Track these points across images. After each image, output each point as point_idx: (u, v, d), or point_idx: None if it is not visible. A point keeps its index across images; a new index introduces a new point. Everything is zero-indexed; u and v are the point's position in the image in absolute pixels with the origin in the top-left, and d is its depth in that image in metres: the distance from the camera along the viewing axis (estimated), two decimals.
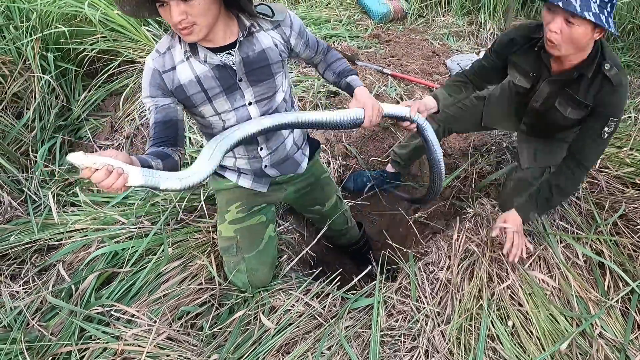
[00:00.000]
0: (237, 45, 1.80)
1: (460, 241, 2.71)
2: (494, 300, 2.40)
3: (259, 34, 1.86)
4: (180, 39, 1.78)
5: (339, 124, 1.96)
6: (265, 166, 2.20)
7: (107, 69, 3.90)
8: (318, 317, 2.36)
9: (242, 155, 2.14)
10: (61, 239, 2.73)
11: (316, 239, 2.60)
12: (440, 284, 2.54)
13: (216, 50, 1.79)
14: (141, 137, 3.56)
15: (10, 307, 2.37)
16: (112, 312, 2.28)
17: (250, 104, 1.93)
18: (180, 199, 2.82)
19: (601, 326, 2.31)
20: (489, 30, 5.23)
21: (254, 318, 2.35)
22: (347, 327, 2.35)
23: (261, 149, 2.11)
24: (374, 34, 5.08)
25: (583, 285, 2.48)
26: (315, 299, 2.43)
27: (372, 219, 3.51)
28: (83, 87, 3.96)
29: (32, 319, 2.29)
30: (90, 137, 3.63)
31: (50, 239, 2.75)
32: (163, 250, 2.51)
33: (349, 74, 2.17)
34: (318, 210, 2.64)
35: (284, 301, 2.39)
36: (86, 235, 2.67)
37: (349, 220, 2.87)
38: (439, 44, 5.01)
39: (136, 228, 2.65)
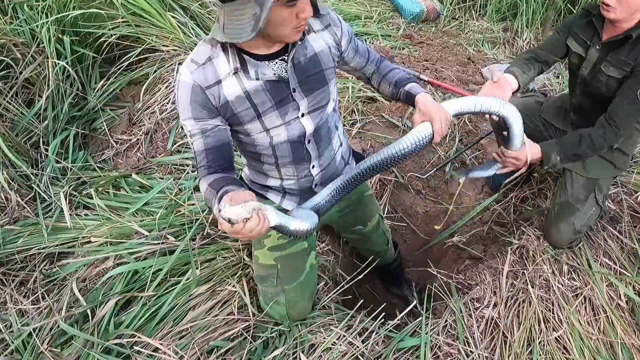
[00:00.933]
0: (291, 51, 1.57)
1: (505, 276, 2.56)
2: (543, 347, 2.26)
3: (309, 36, 1.65)
4: (225, 49, 1.53)
5: (409, 152, 1.66)
6: (315, 185, 1.96)
7: (127, 56, 3.64)
8: (361, 358, 2.15)
9: (290, 176, 1.89)
10: (73, 246, 2.51)
11: (363, 273, 2.37)
12: (488, 325, 2.37)
13: (263, 58, 1.56)
14: (161, 133, 3.30)
15: (18, 328, 2.13)
16: (133, 344, 2.04)
17: (303, 115, 1.70)
18: (208, 210, 2.56)
19: None
20: (525, 39, 4.99)
21: (292, 356, 2.12)
22: None
23: (313, 166, 1.87)
24: (406, 34, 4.84)
25: (626, 330, 2.35)
26: (357, 337, 2.21)
27: (405, 237, 3.28)
28: (100, 75, 3.68)
29: (42, 343, 2.07)
30: (107, 130, 3.36)
31: (61, 245, 2.52)
32: (190, 271, 2.28)
33: (407, 81, 1.87)
34: (359, 230, 2.40)
35: (325, 338, 2.17)
36: (100, 249, 2.45)
37: (389, 242, 2.65)
38: (473, 50, 4.78)
39: (159, 243, 2.41)
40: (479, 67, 4.41)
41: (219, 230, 2.52)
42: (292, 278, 2.10)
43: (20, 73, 3.23)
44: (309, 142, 1.77)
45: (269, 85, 1.58)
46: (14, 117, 3.15)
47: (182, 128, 1.61)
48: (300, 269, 2.13)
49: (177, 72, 1.56)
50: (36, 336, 2.08)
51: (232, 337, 2.15)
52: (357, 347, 2.15)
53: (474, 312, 2.41)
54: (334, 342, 2.17)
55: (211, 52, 1.53)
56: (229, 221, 1.18)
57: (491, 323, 2.36)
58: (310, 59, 1.64)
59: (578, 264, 2.56)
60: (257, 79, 1.55)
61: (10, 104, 3.15)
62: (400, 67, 2.00)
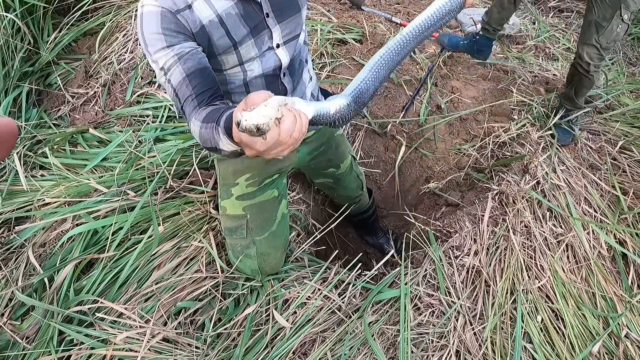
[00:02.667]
0: None
1: (486, 223, 2.48)
2: (526, 296, 2.21)
3: None
4: None
5: (445, 14, 1.42)
6: None
7: (80, 4, 3.39)
8: (337, 312, 2.06)
9: None
10: (30, 210, 2.36)
11: (337, 221, 2.26)
12: (469, 274, 2.30)
13: None
14: (120, 84, 3.11)
15: None
16: (96, 310, 1.92)
17: (278, 46, 1.58)
18: (170, 162, 2.42)
19: (627, 326, 2.18)
20: None
21: (266, 313, 2.02)
22: (370, 322, 2.07)
23: None
24: None
25: (609, 280, 2.33)
26: (334, 290, 2.12)
27: (379, 184, 3.17)
28: (53, 26, 3.42)
29: (2, 316, 1.95)
30: (61, 85, 3.15)
31: (18, 209, 2.38)
32: (152, 229, 2.13)
33: None
34: (332, 172, 2.30)
35: (299, 292, 2.07)
36: (58, 210, 2.29)
37: (364, 186, 2.57)
38: None
39: (118, 200, 2.26)
40: None
41: (182, 183, 2.38)
42: (263, 228, 2.00)
43: None
44: (284, 75, 1.67)
45: (241, 9, 1.44)
46: None
47: (153, 70, 1.37)
48: (272, 218, 2.03)
49: (140, 6, 1.36)
50: None
51: (200, 296, 2.04)
52: (334, 300, 2.07)
53: (454, 261, 2.33)
54: (309, 297, 2.08)
55: None
56: (258, 130, 0.86)
57: (472, 272, 2.28)
58: None
59: (558, 206, 2.50)
60: None
61: None
62: None
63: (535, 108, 3.13)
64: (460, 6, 1.45)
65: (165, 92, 2.39)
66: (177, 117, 2.74)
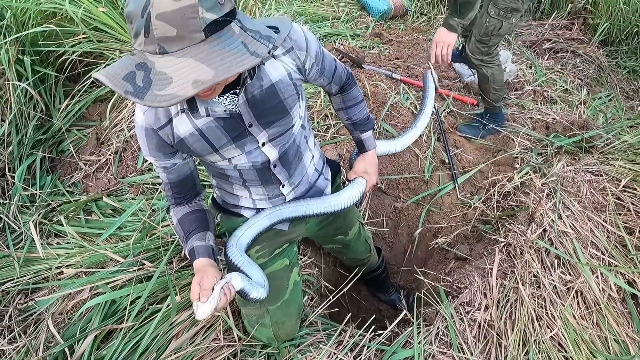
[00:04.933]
0: (242, 85, 1.43)
1: (495, 276, 2.50)
2: (539, 347, 2.21)
3: (266, 64, 1.49)
4: None
5: (347, 206, 1.92)
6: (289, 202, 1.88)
7: (91, 73, 3.49)
8: None
9: (261, 196, 1.81)
10: (47, 278, 2.40)
11: (348, 286, 2.28)
12: (481, 329, 2.31)
13: None
14: (131, 151, 3.18)
15: None
16: None
17: (264, 144, 1.60)
18: None
19: None
20: None
21: None
22: None
23: (283, 186, 1.78)
24: (375, 32, 4.75)
25: (620, 322, 2.32)
26: (349, 354, 2.13)
27: (388, 242, 3.20)
28: (64, 94, 3.54)
29: None
30: (73, 152, 3.24)
31: (34, 276, 2.43)
32: (169, 298, 2.16)
33: (366, 128, 2.05)
34: (341, 239, 2.32)
35: (315, 357, 2.09)
36: (75, 281, 2.33)
37: (371, 248, 2.58)
38: None
39: (135, 270, 2.30)
40: (451, 63, 4.33)
41: None
42: (276, 298, 2.01)
43: None
44: (275, 166, 1.69)
45: (222, 122, 1.48)
46: None
47: None
48: (283, 287, 2.04)
49: (135, 112, 1.46)
50: None
51: None
52: None
53: (465, 317, 2.34)
54: None
55: None
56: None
57: (484, 327, 2.30)
58: (267, 91, 1.49)
59: (565, 253, 2.51)
60: (208, 115, 1.46)
61: None
62: (363, 100, 1.98)
63: (536, 155, 3.18)
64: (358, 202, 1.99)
65: None
66: None
